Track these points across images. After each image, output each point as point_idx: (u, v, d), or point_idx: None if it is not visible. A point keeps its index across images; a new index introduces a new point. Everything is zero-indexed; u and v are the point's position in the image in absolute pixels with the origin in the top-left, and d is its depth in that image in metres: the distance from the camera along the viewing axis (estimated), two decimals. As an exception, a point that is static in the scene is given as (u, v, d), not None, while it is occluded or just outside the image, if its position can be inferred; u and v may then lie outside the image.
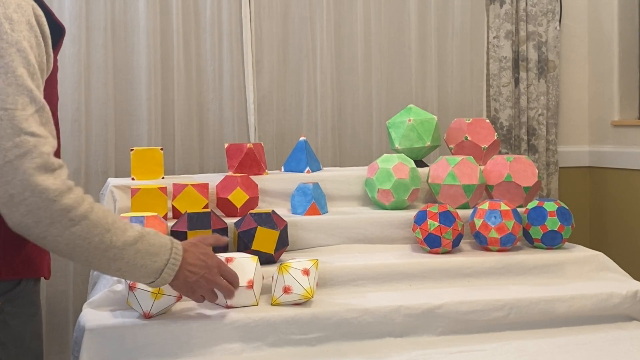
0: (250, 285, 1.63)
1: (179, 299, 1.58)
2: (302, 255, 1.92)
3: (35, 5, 1.26)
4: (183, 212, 1.88)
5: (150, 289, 1.51)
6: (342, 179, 2.25)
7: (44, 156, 1.18)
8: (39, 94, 1.20)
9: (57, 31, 1.31)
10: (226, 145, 2.25)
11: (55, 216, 1.19)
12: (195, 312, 1.61)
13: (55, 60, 1.34)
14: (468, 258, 1.92)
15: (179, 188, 1.98)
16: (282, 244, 1.85)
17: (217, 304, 1.64)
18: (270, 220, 1.83)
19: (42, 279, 1.43)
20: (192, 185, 1.98)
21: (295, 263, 1.66)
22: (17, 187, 1.16)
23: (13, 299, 1.27)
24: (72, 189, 1.23)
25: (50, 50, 1.28)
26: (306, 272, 1.65)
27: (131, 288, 1.52)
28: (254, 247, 1.80)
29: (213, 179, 2.09)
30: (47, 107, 1.22)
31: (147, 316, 1.54)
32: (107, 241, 1.26)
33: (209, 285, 1.46)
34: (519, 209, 2.04)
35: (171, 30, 2.92)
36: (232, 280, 1.52)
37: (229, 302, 1.62)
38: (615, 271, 1.96)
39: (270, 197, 2.16)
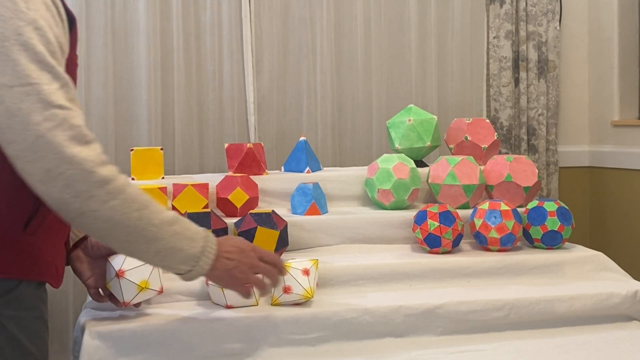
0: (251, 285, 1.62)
1: (159, 292, 1.56)
2: (302, 255, 1.92)
3: None
4: (183, 212, 1.88)
5: (137, 281, 1.49)
6: (342, 179, 2.25)
7: (76, 128, 1.15)
8: (62, 71, 1.18)
9: (70, 20, 1.29)
10: (226, 145, 2.25)
11: (93, 189, 1.15)
12: (195, 312, 1.61)
13: (75, 49, 1.31)
14: (468, 258, 1.92)
15: (179, 188, 1.98)
16: (282, 244, 1.85)
17: (221, 306, 1.65)
18: (270, 220, 1.83)
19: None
20: (192, 185, 1.98)
21: (295, 263, 1.66)
22: (52, 161, 1.12)
23: (11, 302, 1.24)
24: (106, 162, 1.19)
25: (68, 34, 1.25)
26: (306, 272, 1.65)
27: (118, 275, 1.49)
28: (254, 247, 1.80)
29: (213, 179, 2.09)
30: (72, 84, 1.20)
31: (125, 305, 1.52)
32: (145, 218, 1.22)
33: (250, 269, 1.40)
34: (519, 209, 2.04)
35: (171, 30, 2.92)
36: (273, 262, 1.45)
37: (229, 302, 1.62)
38: (615, 271, 1.96)
39: (270, 197, 2.16)
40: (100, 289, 1.53)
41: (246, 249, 1.41)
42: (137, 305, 1.56)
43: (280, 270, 1.47)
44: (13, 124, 1.12)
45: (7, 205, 1.22)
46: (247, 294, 1.43)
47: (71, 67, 1.31)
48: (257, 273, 1.42)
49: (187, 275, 1.33)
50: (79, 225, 1.21)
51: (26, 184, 1.18)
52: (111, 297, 1.52)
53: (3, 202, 1.21)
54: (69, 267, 1.50)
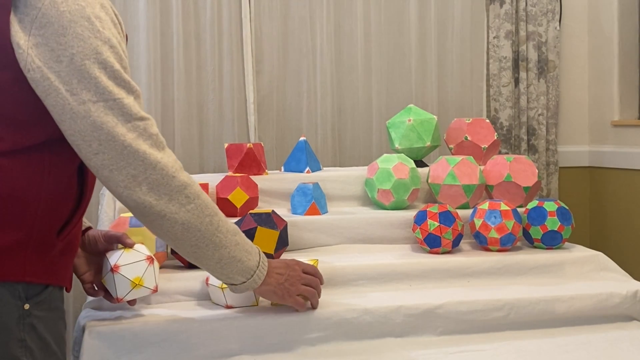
0: (250, 285, 1.62)
1: (154, 291, 1.55)
2: (302, 255, 1.92)
3: (112, 4, 1.31)
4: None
5: (131, 277, 1.49)
6: (342, 179, 2.25)
7: (154, 136, 1.26)
8: (135, 84, 1.27)
9: None
10: (226, 145, 2.25)
11: (173, 192, 1.27)
12: (195, 312, 1.61)
13: None
14: (468, 258, 1.92)
15: (179, 188, 1.98)
16: (282, 244, 1.85)
17: (221, 306, 1.65)
18: (270, 220, 1.83)
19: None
20: (192, 185, 1.97)
21: (295, 263, 1.66)
22: (138, 167, 1.24)
23: (40, 303, 1.26)
24: (182, 167, 1.31)
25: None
26: (306, 272, 1.65)
27: (113, 270, 1.49)
28: (254, 247, 1.80)
29: (213, 179, 2.09)
30: (141, 94, 1.30)
31: (118, 301, 1.52)
32: (215, 224, 1.33)
33: (299, 281, 1.53)
34: (519, 209, 2.04)
35: (171, 30, 2.92)
36: (314, 272, 1.58)
37: (229, 302, 1.62)
38: (615, 271, 1.96)
39: (270, 197, 2.16)
40: (94, 285, 1.54)
41: (290, 263, 1.54)
42: (132, 303, 1.56)
43: (320, 278, 1.60)
44: (99, 136, 1.21)
45: (50, 212, 1.24)
46: (301, 306, 1.56)
47: None
48: (304, 284, 1.55)
49: (239, 287, 1.44)
50: (157, 228, 1.31)
51: (66, 193, 1.26)
52: (106, 293, 1.53)
53: (47, 210, 1.24)
54: None
